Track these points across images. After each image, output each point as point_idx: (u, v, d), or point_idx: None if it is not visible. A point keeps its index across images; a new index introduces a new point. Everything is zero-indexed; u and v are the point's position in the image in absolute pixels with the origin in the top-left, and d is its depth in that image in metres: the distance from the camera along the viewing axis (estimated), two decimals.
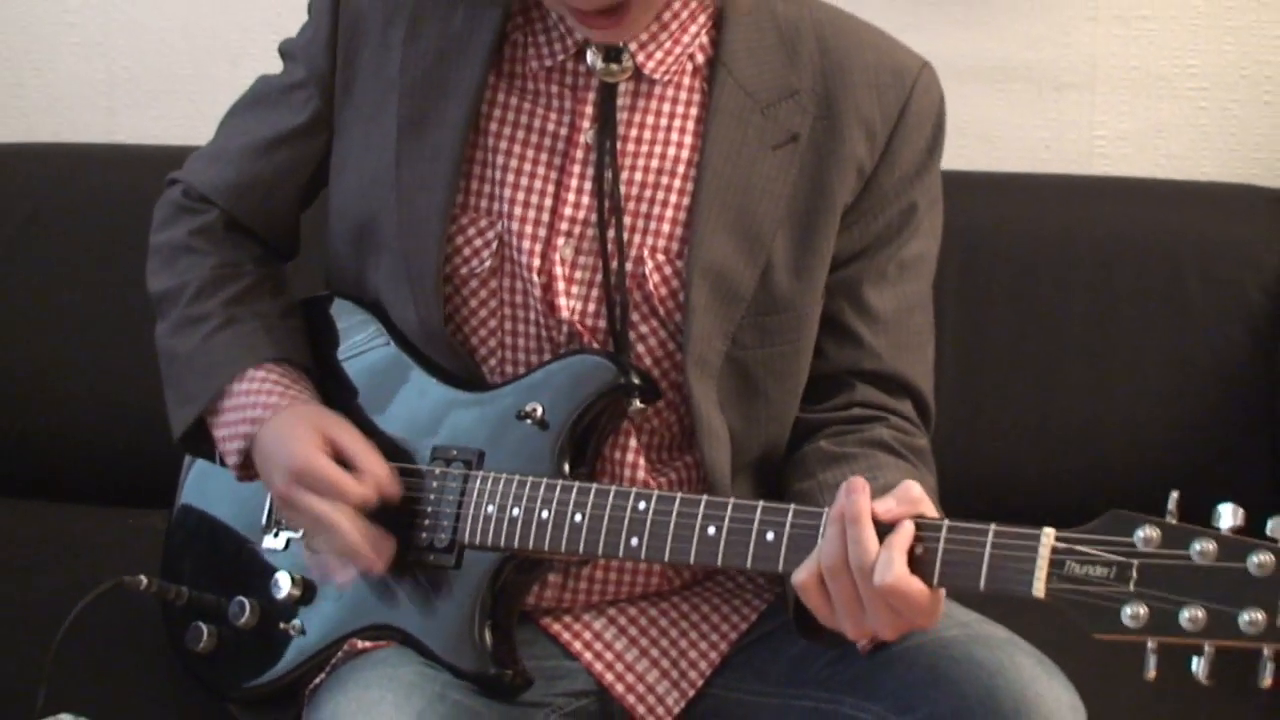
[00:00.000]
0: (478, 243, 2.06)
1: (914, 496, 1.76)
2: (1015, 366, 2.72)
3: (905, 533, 1.72)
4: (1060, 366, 2.71)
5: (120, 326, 2.84)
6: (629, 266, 2.04)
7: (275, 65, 2.24)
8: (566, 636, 2.10)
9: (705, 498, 1.89)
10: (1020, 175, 2.93)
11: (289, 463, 2.01)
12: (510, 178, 2.06)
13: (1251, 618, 1.62)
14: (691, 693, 2.07)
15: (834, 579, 1.75)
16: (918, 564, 1.74)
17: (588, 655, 2.08)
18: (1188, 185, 2.90)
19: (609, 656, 2.08)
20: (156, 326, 2.22)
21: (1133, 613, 1.67)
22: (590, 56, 2.04)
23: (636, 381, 2.00)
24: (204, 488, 2.27)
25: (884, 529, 1.74)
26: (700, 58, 2.07)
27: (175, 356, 2.17)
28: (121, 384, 2.86)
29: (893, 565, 1.70)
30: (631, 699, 2.07)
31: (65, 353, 2.94)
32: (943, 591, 1.75)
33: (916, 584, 1.71)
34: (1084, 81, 3.01)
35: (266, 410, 2.07)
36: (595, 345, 2.04)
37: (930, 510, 1.77)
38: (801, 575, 1.77)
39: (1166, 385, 2.67)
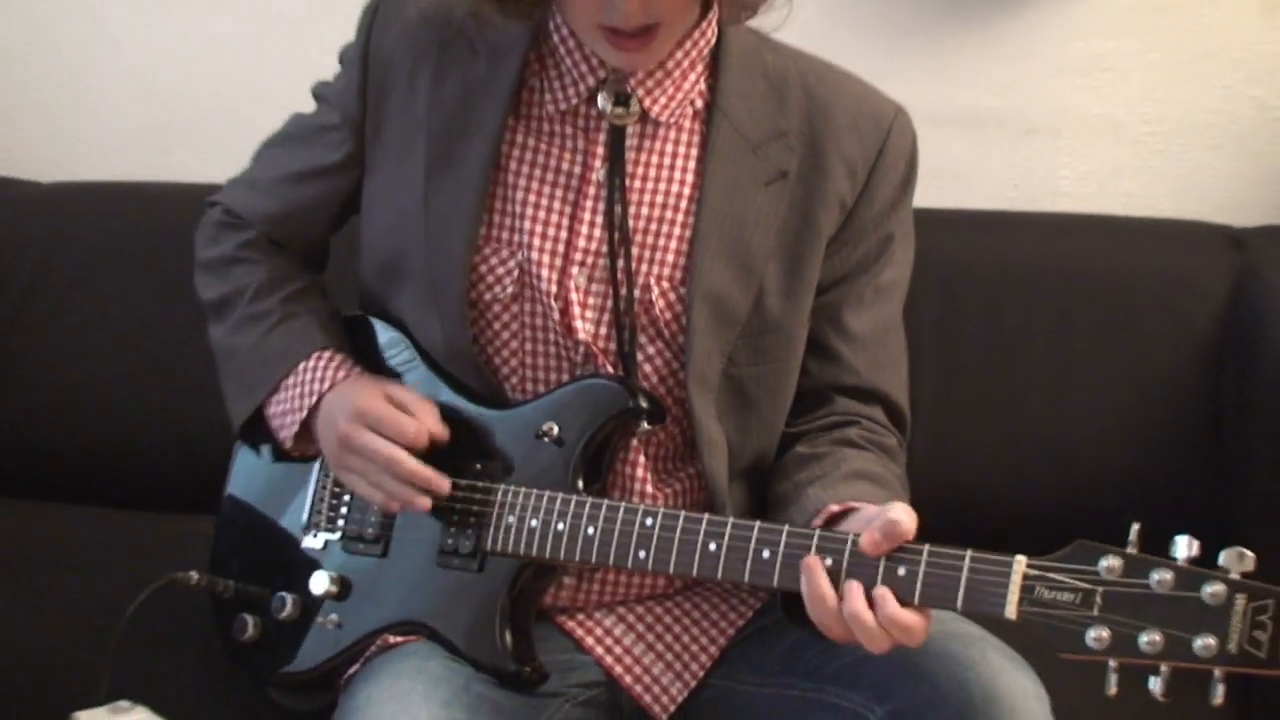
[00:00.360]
0: (500, 271, 2.07)
1: (899, 532, 1.77)
2: (985, 389, 2.71)
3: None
4: (1026, 389, 2.71)
5: (172, 350, 2.84)
6: (637, 293, 2.04)
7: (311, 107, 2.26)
8: (580, 633, 2.10)
9: (707, 516, 1.90)
10: (991, 212, 2.93)
11: (353, 406, 2.03)
12: (529, 212, 2.07)
13: (1205, 643, 1.65)
14: (693, 683, 2.07)
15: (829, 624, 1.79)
16: (900, 585, 1.76)
17: (599, 650, 2.09)
18: (1143, 222, 2.89)
19: (618, 651, 2.09)
20: (211, 330, 2.23)
21: (1096, 636, 1.70)
22: (601, 101, 2.05)
23: (645, 405, 2.01)
24: (247, 492, 2.27)
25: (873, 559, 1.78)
26: (699, 102, 2.08)
27: (235, 351, 2.19)
28: (172, 401, 2.86)
29: (895, 615, 1.74)
30: (639, 689, 2.07)
31: (121, 374, 2.94)
32: (914, 620, 1.76)
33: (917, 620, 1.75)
34: (1049, 127, 3.01)
35: (330, 383, 2.10)
36: (608, 366, 2.05)
37: (911, 533, 1.78)
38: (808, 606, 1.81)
39: (1123, 406, 2.67)
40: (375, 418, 2.00)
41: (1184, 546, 1.68)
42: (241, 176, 2.31)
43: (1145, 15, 2.95)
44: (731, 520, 1.89)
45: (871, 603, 1.75)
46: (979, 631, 1.94)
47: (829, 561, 1.78)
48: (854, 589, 1.77)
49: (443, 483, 1.99)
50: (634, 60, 1.98)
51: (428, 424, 2.01)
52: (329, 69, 2.23)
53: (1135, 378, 2.68)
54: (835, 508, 1.87)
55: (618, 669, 2.08)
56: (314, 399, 2.10)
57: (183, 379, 2.80)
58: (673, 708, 2.07)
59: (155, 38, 3.34)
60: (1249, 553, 1.66)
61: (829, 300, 2.11)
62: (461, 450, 2.06)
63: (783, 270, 2.07)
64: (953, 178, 2.88)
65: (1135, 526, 1.71)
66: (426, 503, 1.99)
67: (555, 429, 2.02)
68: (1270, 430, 2.32)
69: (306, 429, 2.11)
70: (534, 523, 1.99)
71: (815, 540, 1.80)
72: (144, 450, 2.90)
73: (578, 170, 2.07)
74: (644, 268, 2.05)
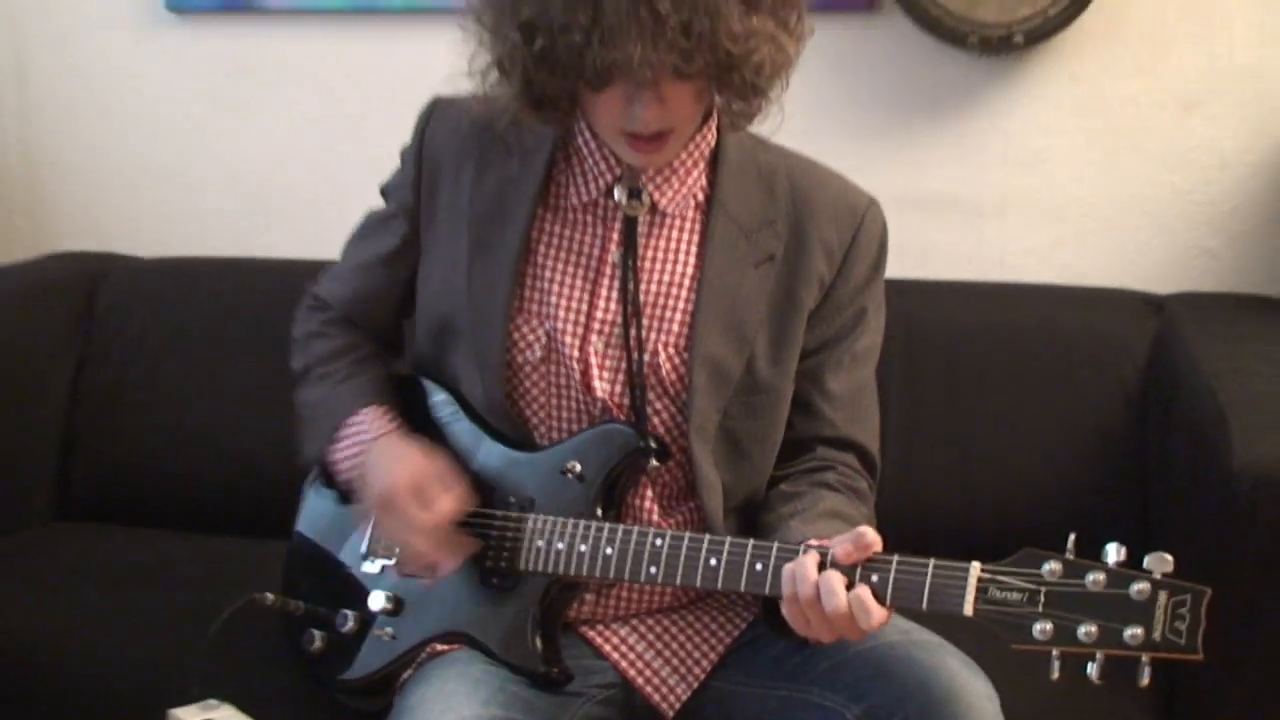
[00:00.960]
0: (530, 338, 2.08)
1: (867, 543, 1.80)
2: (944, 431, 2.72)
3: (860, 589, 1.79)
4: (978, 431, 2.71)
5: (250, 400, 2.86)
6: (646, 357, 2.05)
7: (378, 194, 2.27)
8: (598, 641, 2.10)
9: (707, 536, 1.93)
10: (948, 282, 2.93)
11: (381, 492, 2.04)
12: (555, 288, 2.08)
13: (1133, 633, 1.69)
14: (695, 684, 2.08)
15: (807, 617, 1.82)
16: (874, 588, 1.79)
17: (614, 655, 2.09)
18: (1078, 290, 2.91)
19: (631, 656, 2.09)
20: (296, 395, 2.24)
21: (1041, 629, 1.73)
22: (617, 194, 2.06)
23: (653, 445, 2.03)
24: (314, 528, 2.27)
25: (844, 568, 1.80)
26: (700, 196, 2.09)
27: (309, 404, 2.20)
28: (249, 444, 2.87)
29: (863, 604, 1.78)
30: (649, 689, 2.08)
31: (208, 421, 2.95)
32: (882, 614, 1.79)
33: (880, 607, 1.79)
34: (998, 209, 3.02)
35: (372, 435, 2.11)
36: (621, 418, 2.06)
37: (879, 548, 1.81)
38: (785, 606, 1.84)
39: (1061, 444, 2.68)
40: (413, 492, 2.02)
41: (1113, 552, 1.72)
42: (333, 268, 2.31)
43: (1078, 116, 2.96)
44: (729, 539, 1.91)
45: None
46: (938, 640, 1.95)
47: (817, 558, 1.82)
48: (832, 575, 1.79)
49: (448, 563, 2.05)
50: (648, 160, 2.00)
51: (448, 508, 2.02)
52: (389, 162, 2.25)
53: (1071, 421, 2.69)
54: (814, 543, 1.87)
55: (631, 672, 2.08)
56: (362, 450, 2.11)
57: (258, 425, 2.82)
58: (678, 705, 2.07)
59: (242, 136, 3.35)
60: (1169, 556, 1.69)
61: (812, 365, 2.12)
62: (498, 486, 2.08)
63: (770, 339, 2.08)
64: (916, 253, 2.89)
65: (1072, 536, 1.73)
66: (443, 571, 2.06)
67: (578, 466, 2.03)
68: (1185, 462, 2.33)
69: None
70: (560, 545, 2.00)
71: (802, 551, 1.83)
72: (226, 484, 2.91)
73: (596, 253, 2.09)
74: (652, 336, 2.06)
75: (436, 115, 2.18)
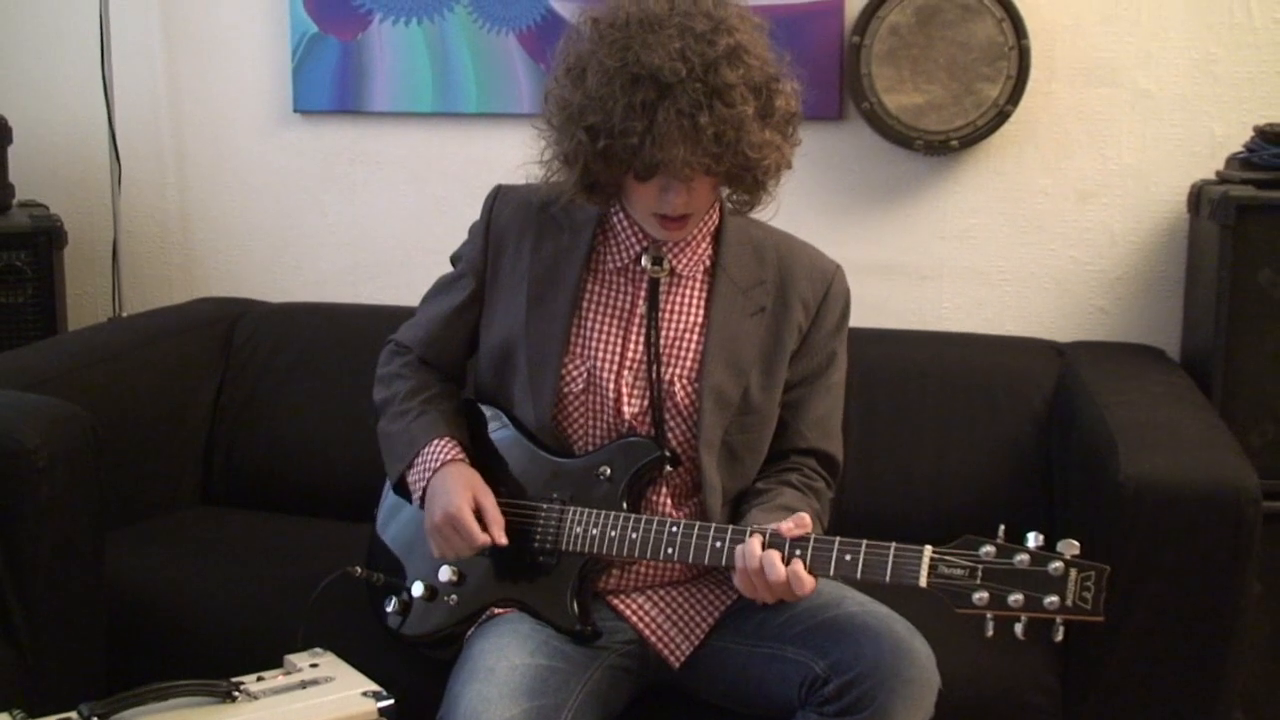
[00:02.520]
0: (574, 374, 2.08)
1: (805, 523, 1.86)
2: (892, 448, 2.70)
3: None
4: (918, 448, 2.69)
5: (350, 419, 2.84)
6: (665, 388, 2.06)
7: (453, 254, 2.26)
8: (621, 606, 2.10)
9: (714, 525, 1.94)
10: (897, 330, 2.92)
11: (445, 509, 2.04)
12: (596, 335, 2.09)
13: (1051, 600, 1.73)
14: (697, 641, 2.07)
15: (754, 584, 1.87)
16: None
17: (633, 618, 2.08)
18: (998, 338, 2.89)
19: (646, 619, 2.08)
20: (379, 424, 2.23)
21: (979, 597, 1.76)
22: (644, 261, 2.07)
23: (668, 455, 2.04)
24: (392, 515, 2.27)
25: (784, 541, 1.86)
26: (707, 262, 2.10)
27: (389, 435, 2.19)
28: (348, 451, 2.86)
29: (797, 575, 1.83)
30: (660, 645, 2.07)
31: (319, 433, 2.94)
32: (811, 581, 1.84)
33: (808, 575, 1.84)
34: (935, 274, 3.01)
35: (439, 462, 2.10)
36: (642, 433, 2.06)
37: (810, 529, 1.87)
38: (735, 577, 1.90)
39: (985, 459, 2.66)
40: (458, 524, 2.02)
41: (1033, 539, 1.76)
42: (412, 319, 2.30)
43: (1000, 203, 2.95)
44: (731, 527, 1.93)
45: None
46: (889, 611, 1.96)
47: (764, 539, 1.86)
48: (773, 552, 1.84)
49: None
50: (672, 235, 2.02)
51: (492, 536, 2.02)
52: (460, 233, 2.25)
53: (992, 440, 2.67)
54: (758, 528, 1.91)
55: (645, 631, 2.08)
56: (430, 474, 2.09)
57: (354, 434, 2.79)
58: (683, 658, 2.06)
59: (349, 209, 3.35)
60: (1076, 542, 1.73)
61: (795, 397, 2.13)
62: (546, 485, 2.08)
63: (761, 373, 2.08)
64: (872, 307, 2.87)
65: (1002, 527, 1.78)
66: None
67: (608, 470, 2.04)
68: (1081, 474, 2.33)
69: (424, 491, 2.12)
70: (594, 532, 2.01)
71: (749, 534, 1.88)
72: (328, 478, 2.91)
73: (627, 307, 2.09)
74: (670, 371, 2.06)
75: (500, 198, 2.19)
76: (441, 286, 2.26)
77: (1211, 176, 2.76)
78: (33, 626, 2.21)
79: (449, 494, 2.05)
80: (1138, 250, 2.91)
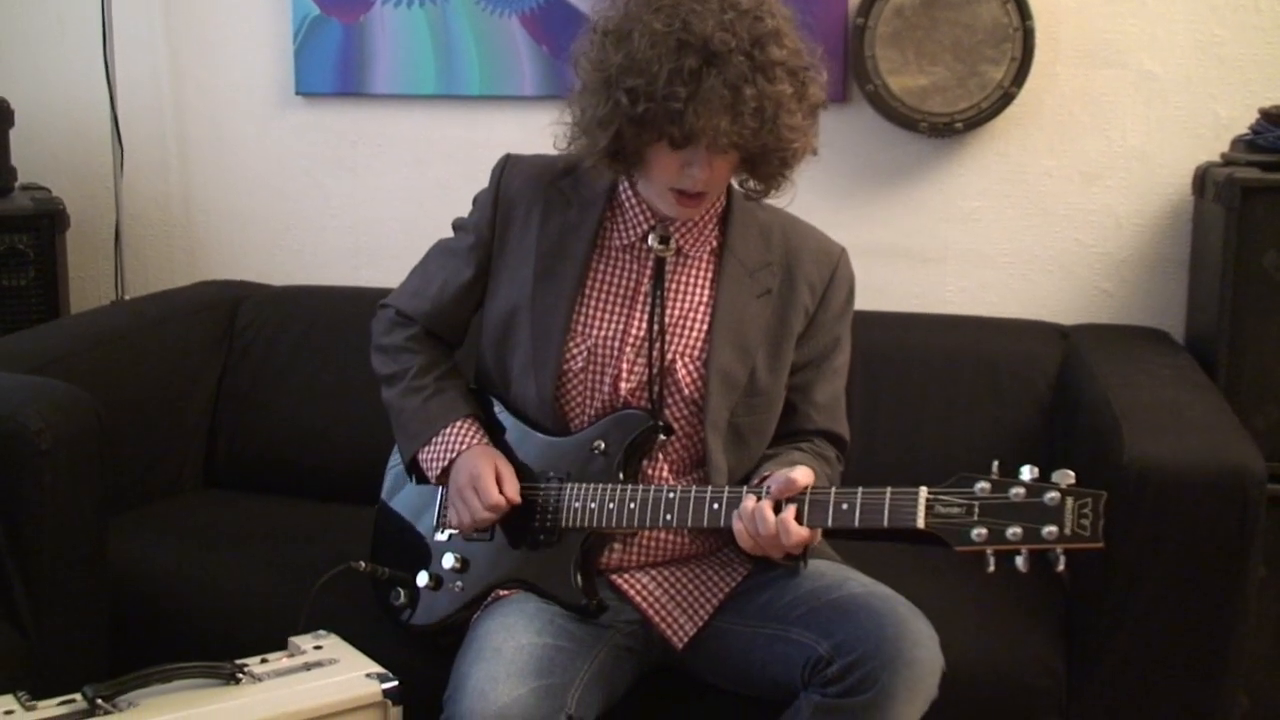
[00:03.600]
0: (575, 351, 2.08)
1: (792, 479, 1.87)
2: (896, 430, 2.70)
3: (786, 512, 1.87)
4: (922, 430, 2.70)
5: (353, 398, 2.84)
6: (666, 365, 2.06)
7: (456, 220, 2.29)
8: (624, 586, 2.10)
9: (710, 488, 1.96)
10: (901, 313, 2.92)
11: (470, 474, 2.06)
12: (599, 312, 2.09)
13: (1049, 530, 1.73)
14: (701, 623, 2.07)
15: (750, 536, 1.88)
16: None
17: (637, 598, 2.08)
18: (1002, 321, 2.89)
19: (650, 598, 2.08)
20: (384, 393, 2.24)
21: (978, 533, 1.77)
22: (650, 239, 2.08)
23: (661, 424, 2.05)
24: (396, 502, 2.28)
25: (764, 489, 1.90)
26: (714, 242, 2.10)
27: (404, 410, 2.19)
28: (350, 431, 2.86)
29: (785, 525, 1.86)
30: (663, 625, 2.07)
31: (321, 413, 2.95)
32: (809, 533, 1.87)
33: (800, 530, 1.86)
34: (939, 257, 3.01)
35: (466, 445, 2.11)
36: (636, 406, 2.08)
37: (804, 484, 1.87)
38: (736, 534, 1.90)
39: (987, 441, 2.65)
40: (479, 486, 2.04)
41: (1027, 472, 1.77)
42: (405, 287, 2.30)
43: (1004, 185, 2.95)
44: (727, 489, 1.95)
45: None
46: (890, 592, 1.96)
47: (762, 497, 1.89)
48: (764, 505, 1.87)
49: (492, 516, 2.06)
50: (686, 213, 2.03)
51: (507, 495, 2.04)
52: (462, 212, 2.26)
53: (996, 422, 2.67)
54: (753, 484, 1.96)
55: (649, 611, 2.07)
56: (454, 454, 2.11)
57: (356, 417, 2.81)
58: (687, 639, 2.06)
59: (351, 192, 3.35)
60: (1070, 472, 1.74)
61: (801, 380, 2.13)
62: (542, 464, 2.09)
63: (768, 355, 2.09)
64: (876, 290, 2.87)
65: (995, 463, 1.78)
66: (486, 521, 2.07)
67: (602, 444, 2.05)
68: (1084, 455, 2.31)
69: (444, 471, 2.13)
70: (593, 505, 2.02)
71: (745, 492, 1.92)
72: (330, 462, 2.91)
73: (632, 285, 2.09)
74: (673, 350, 2.06)
75: (509, 167, 2.19)
76: (446, 255, 2.26)
77: (1216, 159, 2.76)
78: (36, 609, 2.21)
79: (473, 466, 2.08)
80: (1142, 232, 2.91)
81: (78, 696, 1.93)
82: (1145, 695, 2.14)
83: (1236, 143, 2.70)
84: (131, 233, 3.47)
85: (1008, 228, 2.97)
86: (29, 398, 2.27)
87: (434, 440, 2.14)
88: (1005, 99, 2.81)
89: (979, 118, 2.83)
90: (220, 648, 2.06)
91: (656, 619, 2.07)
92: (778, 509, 1.87)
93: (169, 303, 3.15)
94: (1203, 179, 2.73)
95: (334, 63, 3.27)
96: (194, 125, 3.45)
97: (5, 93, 3.19)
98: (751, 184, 2.05)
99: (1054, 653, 2.19)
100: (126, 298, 3.41)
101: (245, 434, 3.00)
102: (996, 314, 2.95)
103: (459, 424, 2.14)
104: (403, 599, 2.17)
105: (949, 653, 1.91)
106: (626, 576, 2.11)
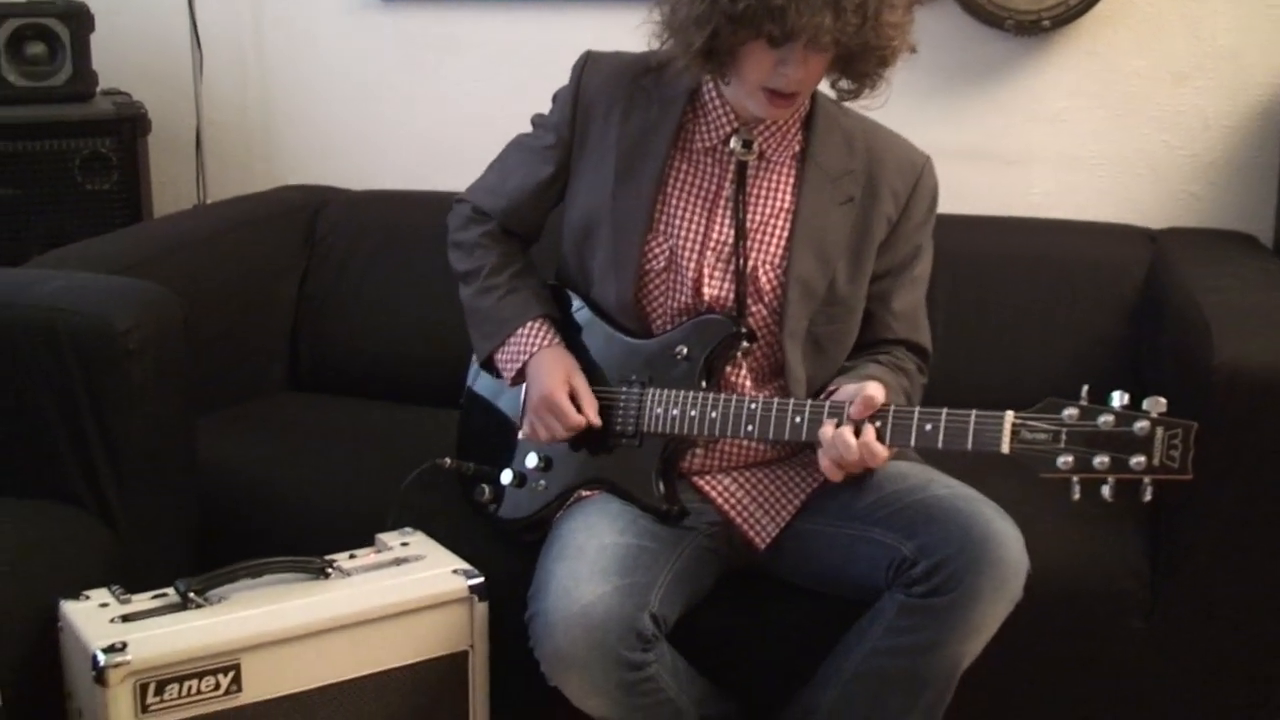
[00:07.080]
0: (657, 251, 2.08)
1: (868, 395, 1.87)
2: (979, 338, 2.68)
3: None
4: (1005, 338, 2.67)
5: (431, 299, 2.85)
6: (748, 271, 2.05)
7: (534, 117, 2.29)
8: (706, 488, 2.11)
9: (792, 400, 1.96)
10: (983, 217, 2.88)
11: (542, 391, 2.07)
12: (680, 214, 2.08)
13: (1138, 460, 1.71)
14: (783, 523, 2.08)
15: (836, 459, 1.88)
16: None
17: (719, 500, 2.10)
18: (1089, 224, 2.86)
19: (732, 500, 2.09)
20: (461, 290, 2.25)
21: (1064, 461, 1.75)
22: (733, 142, 2.06)
23: (744, 330, 2.04)
24: (479, 401, 2.30)
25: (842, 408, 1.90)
26: (796, 147, 2.08)
27: (479, 310, 2.21)
28: (431, 331, 2.86)
29: (868, 446, 1.87)
30: (745, 526, 2.08)
31: (402, 315, 2.97)
32: (884, 451, 1.87)
33: (881, 450, 1.87)
34: (1024, 159, 2.97)
35: (537, 347, 2.12)
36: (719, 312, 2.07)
37: (879, 401, 1.88)
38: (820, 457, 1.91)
39: (1071, 348, 2.64)
40: (553, 406, 2.05)
41: (1118, 398, 1.73)
42: (482, 183, 2.30)
43: (1091, 85, 2.90)
44: (810, 402, 1.94)
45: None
46: (976, 493, 1.95)
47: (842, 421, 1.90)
48: (845, 430, 1.87)
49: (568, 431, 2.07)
50: (776, 113, 2.00)
51: (586, 415, 2.05)
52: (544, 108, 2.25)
53: (1080, 329, 2.65)
54: (826, 402, 1.95)
55: (731, 512, 2.09)
56: (528, 356, 2.12)
57: (435, 318, 2.81)
58: (769, 540, 2.07)
59: (427, 95, 3.36)
60: (1162, 400, 1.71)
61: (881, 288, 2.12)
62: (624, 367, 2.10)
63: (848, 264, 2.08)
64: (957, 194, 2.80)
65: (1085, 388, 1.75)
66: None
67: (685, 350, 2.05)
68: (1172, 361, 2.29)
69: (519, 372, 2.14)
70: (675, 411, 2.02)
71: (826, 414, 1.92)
72: (411, 363, 2.92)
73: (713, 188, 2.08)
74: (754, 255, 2.06)
75: (590, 64, 2.17)
76: (524, 151, 2.25)
77: None
78: (127, 506, 2.25)
79: (546, 377, 2.08)
80: (1232, 134, 2.85)
81: (170, 590, 1.98)
82: (1229, 598, 2.13)
83: None
84: (212, 137, 3.49)
85: (1095, 129, 2.92)
86: (116, 298, 2.29)
87: (508, 341, 2.15)
88: None
89: (1066, 15, 2.78)
90: (308, 546, 2.10)
91: (738, 520, 2.08)
92: (858, 431, 1.87)
93: (251, 207, 3.17)
94: None
95: None
96: (272, 29, 3.45)
97: None
98: (844, 84, 2.02)
99: (1139, 555, 2.18)
100: (208, 202, 3.44)
101: (328, 337, 3.02)
102: (1082, 217, 2.91)
103: (531, 324, 2.15)
104: (488, 495, 2.19)
105: (1034, 555, 1.90)
106: (709, 479, 2.12)
